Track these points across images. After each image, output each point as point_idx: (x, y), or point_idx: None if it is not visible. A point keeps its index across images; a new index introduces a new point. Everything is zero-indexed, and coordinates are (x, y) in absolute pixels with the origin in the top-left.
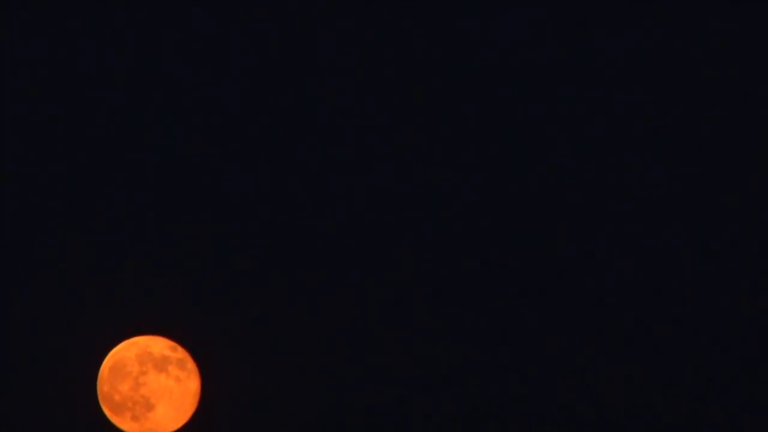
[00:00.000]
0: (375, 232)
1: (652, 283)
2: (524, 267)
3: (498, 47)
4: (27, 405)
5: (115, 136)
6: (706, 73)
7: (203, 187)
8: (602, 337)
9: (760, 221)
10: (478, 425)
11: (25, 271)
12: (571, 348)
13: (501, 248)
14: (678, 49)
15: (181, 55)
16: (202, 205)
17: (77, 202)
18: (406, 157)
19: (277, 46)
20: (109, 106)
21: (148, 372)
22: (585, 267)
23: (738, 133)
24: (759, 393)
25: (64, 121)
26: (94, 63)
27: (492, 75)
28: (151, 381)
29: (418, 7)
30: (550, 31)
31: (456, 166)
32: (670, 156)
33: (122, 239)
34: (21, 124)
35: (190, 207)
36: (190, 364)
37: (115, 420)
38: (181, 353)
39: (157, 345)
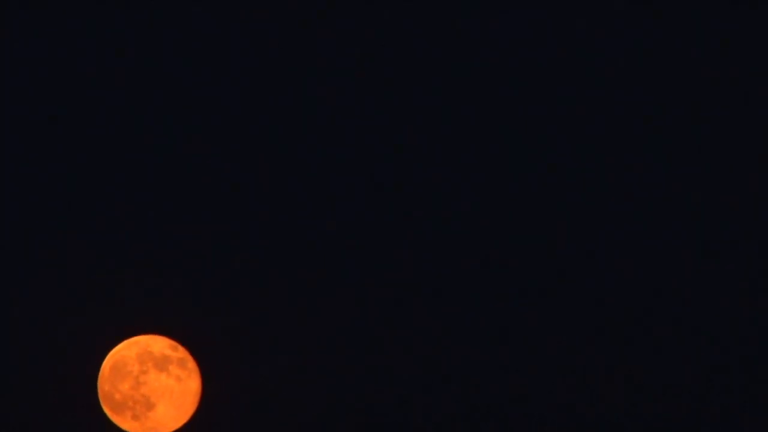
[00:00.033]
0: (375, 232)
1: (652, 283)
2: (524, 267)
3: (498, 47)
4: (28, 404)
5: (115, 136)
6: (706, 73)
7: (203, 187)
8: (602, 337)
9: (760, 221)
10: (478, 425)
11: (25, 271)
12: (571, 348)
13: (501, 248)
14: (678, 49)
15: (181, 55)
16: (202, 205)
17: (77, 202)
18: (406, 157)
19: (277, 46)
20: (109, 106)
21: (149, 371)
22: (585, 267)
23: (738, 133)
24: (759, 393)
25: (64, 121)
26: (94, 63)
27: (492, 75)
28: (151, 380)
29: (418, 7)
30: (550, 31)
31: (456, 166)
32: (670, 156)
33: (122, 239)
34: (21, 124)
35: (190, 207)
36: (191, 364)
37: (116, 419)
38: (181, 352)
39: (158, 344)
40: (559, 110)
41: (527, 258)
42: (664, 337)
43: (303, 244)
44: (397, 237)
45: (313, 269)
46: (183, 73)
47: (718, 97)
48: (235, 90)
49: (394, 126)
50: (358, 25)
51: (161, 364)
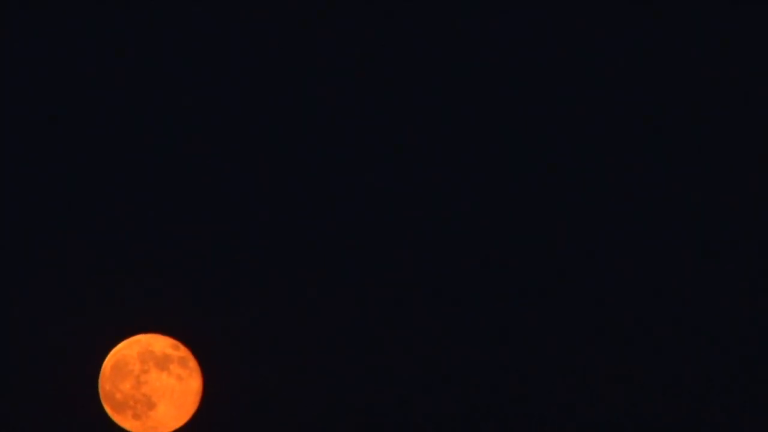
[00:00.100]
0: (375, 232)
1: (652, 283)
2: (524, 267)
3: (498, 47)
4: (29, 404)
5: (115, 136)
6: (706, 73)
7: (203, 187)
8: (602, 337)
9: (760, 221)
10: (478, 425)
11: (25, 271)
12: (571, 348)
13: (501, 248)
14: (678, 49)
15: (181, 55)
16: (202, 205)
17: (77, 202)
18: (406, 157)
19: (277, 46)
20: (109, 106)
21: (150, 370)
22: (585, 267)
23: (738, 133)
24: (759, 393)
25: (64, 121)
26: (94, 63)
27: (492, 75)
28: (152, 379)
29: (418, 7)
30: (550, 31)
31: (456, 166)
32: (670, 156)
33: (123, 239)
34: (21, 124)
35: (191, 207)
36: (192, 363)
37: (117, 418)
38: (182, 352)
39: (159, 343)
40: (559, 110)
41: (527, 258)
42: (664, 337)
43: (303, 244)
44: (397, 237)
45: (313, 269)
46: (183, 73)
47: (718, 97)
48: (235, 90)
49: (394, 126)
50: (358, 25)
51: (162, 363)
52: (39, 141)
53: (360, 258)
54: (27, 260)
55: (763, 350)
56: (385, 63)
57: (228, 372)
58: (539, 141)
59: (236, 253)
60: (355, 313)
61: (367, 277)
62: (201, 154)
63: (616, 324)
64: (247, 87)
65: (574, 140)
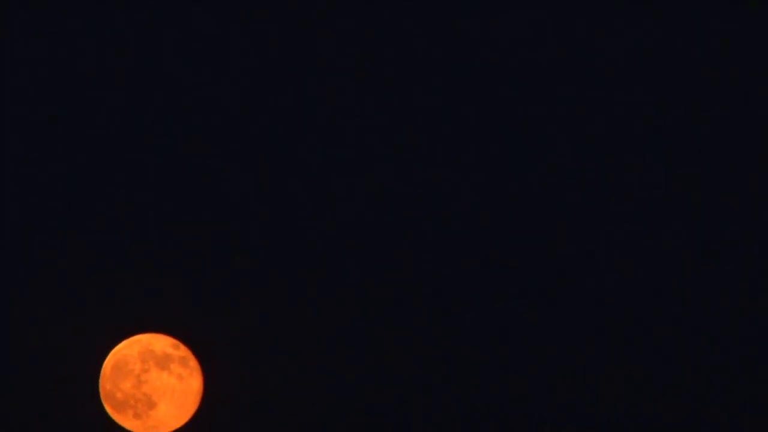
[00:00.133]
0: (375, 232)
1: (652, 283)
2: (524, 267)
3: (498, 47)
4: (29, 404)
5: (115, 136)
6: (706, 73)
7: (203, 187)
8: (602, 337)
9: (760, 221)
10: (478, 425)
11: (25, 271)
12: (571, 348)
13: (501, 248)
14: (678, 49)
15: (181, 55)
16: (202, 205)
17: (77, 202)
18: (406, 157)
19: (277, 46)
20: (109, 106)
21: (151, 370)
22: (585, 267)
23: (738, 133)
24: (759, 393)
25: (64, 121)
26: (94, 63)
27: (492, 75)
28: (153, 379)
29: (418, 7)
30: (550, 31)
31: (456, 166)
32: (670, 156)
33: (123, 238)
34: (21, 124)
35: (191, 207)
36: (193, 362)
37: (118, 418)
38: (183, 351)
39: (160, 343)
40: (559, 110)
41: (527, 258)
42: (664, 337)
43: (303, 244)
44: (397, 237)
45: (313, 269)
46: (183, 73)
47: (718, 97)
48: (235, 90)
49: (394, 126)
50: (358, 25)
51: (163, 362)
52: (39, 141)
53: (360, 258)
54: (27, 260)
55: (763, 350)
56: (385, 63)
57: (229, 371)
58: (539, 141)
59: (236, 253)
60: (355, 313)
61: (367, 277)
62: (201, 154)
63: (616, 324)
64: (247, 87)
65: (574, 140)
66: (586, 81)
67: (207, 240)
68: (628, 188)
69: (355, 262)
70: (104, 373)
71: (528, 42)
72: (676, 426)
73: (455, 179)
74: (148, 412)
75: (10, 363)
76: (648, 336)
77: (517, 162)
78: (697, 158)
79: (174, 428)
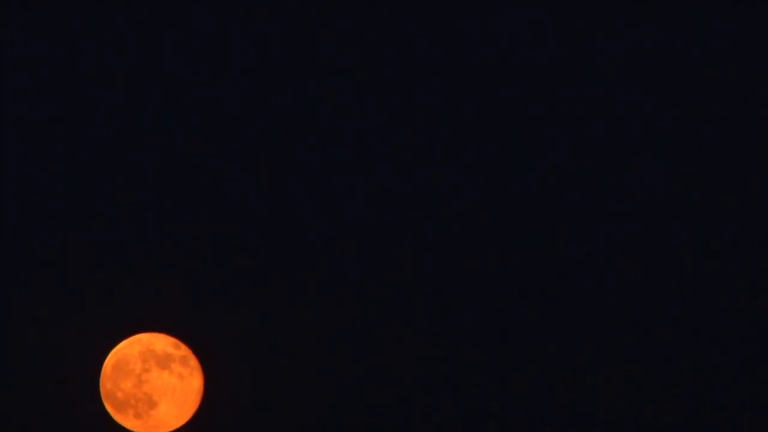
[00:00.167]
0: (375, 232)
1: (652, 283)
2: (524, 267)
3: (498, 47)
4: (30, 403)
5: (115, 136)
6: (706, 73)
7: (203, 187)
8: (602, 337)
9: (760, 221)
10: (478, 425)
11: (25, 271)
12: (571, 348)
13: (501, 248)
14: (678, 49)
15: (181, 55)
16: (202, 205)
17: (77, 202)
18: (406, 157)
19: (277, 46)
20: (109, 106)
21: (151, 369)
22: (585, 267)
23: (738, 133)
24: (759, 393)
25: (64, 121)
26: (94, 63)
27: (492, 75)
28: (153, 378)
29: (418, 7)
30: (550, 31)
31: (456, 166)
32: (670, 156)
33: (124, 237)
34: (21, 124)
35: (191, 207)
36: (193, 362)
37: (118, 417)
38: (184, 350)
39: (160, 342)
40: (559, 110)
41: (527, 258)
42: (664, 337)
43: (303, 244)
44: (397, 237)
45: (313, 269)
46: (183, 73)
47: (718, 97)
48: (235, 90)
49: (394, 126)
50: (358, 25)
51: (163, 362)
52: (39, 141)
53: (360, 258)
54: (27, 260)
55: (763, 350)
56: (385, 63)
57: (229, 371)
58: (539, 141)
59: (236, 253)
60: (355, 313)
61: (367, 277)
62: (201, 154)
63: (616, 324)
64: (247, 87)
65: (574, 140)
66: (586, 81)
67: (207, 240)
68: (628, 188)
69: (355, 262)
70: (105, 373)
71: (528, 42)
72: (676, 426)
73: (455, 179)
74: (148, 411)
75: (10, 363)
76: (648, 336)
77: (517, 162)
78: (697, 158)
79: (175, 428)
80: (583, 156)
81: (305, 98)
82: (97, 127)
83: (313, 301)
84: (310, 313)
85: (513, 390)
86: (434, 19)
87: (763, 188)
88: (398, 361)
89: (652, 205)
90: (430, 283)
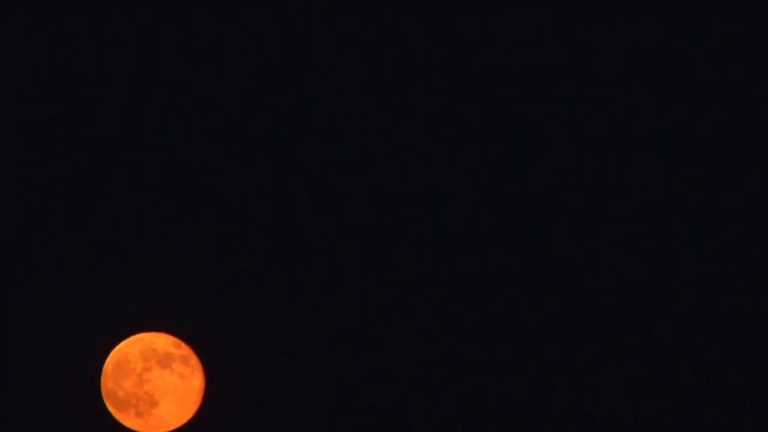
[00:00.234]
0: (375, 232)
1: (652, 283)
2: (524, 267)
3: (498, 47)
4: (31, 402)
5: (115, 136)
6: (706, 73)
7: (203, 187)
8: (602, 337)
9: (760, 221)
10: (478, 425)
11: (25, 271)
12: (571, 348)
13: (501, 248)
14: (678, 49)
15: (181, 55)
16: (202, 204)
17: (77, 202)
18: (406, 157)
19: (277, 46)
20: (109, 106)
21: (152, 368)
22: (585, 267)
23: (738, 133)
24: (759, 393)
25: (64, 121)
26: (94, 63)
27: (492, 75)
28: (155, 377)
29: (418, 7)
30: (550, 31)
31: (456, 166)
32: (670, 156)
33: (124, 236)
34: (21, 124)
35: (191, 207)
36: (194, 361)
37: (119, 416)
38: (185, 350)
39: (161, 341)
40: (559, 110)
41: (527, 258)
42: (664, 337)
43: (303, 244)
44: (397, 237)
45: (313, 269)
46: (183, 73)
47: (718, 97)
48: (235, 90)
49: (394, 126)
50: (358, 25)
51: (165, 361)
52: (39, 141)
53: (360, 258)
54: (27, 260)
55: (763, 350)
56: (385, 63)
57: (230, 370)
58: (539, 141)
59: (239, 252)
60: (355, 313)
61: (367, 277)
62: (201, 154)
63: (616, 324)
64: (247, 87)
65: (574, 140)
66: (586, 81)
67: (207, 239)
68: (628, 188)
69: (355, 262)
70: (106, 372)
71: (528, 42)
72: (676, 426)
73: (455, 179)
74: (149, 410)
75: (10, 363)
76: (648, 336)
77: (517, 162)
78: (697, 158)
79: (175, 427)
80: (583, 156)
81: (305, 98)
82: (97, 127)
83: (313, 301)
84: (310, 313)
85: (513, 390)
86: (434, 19)
87: (763, 188)
88: (398, 361)
89: (652, 205)
90: (430, 283)
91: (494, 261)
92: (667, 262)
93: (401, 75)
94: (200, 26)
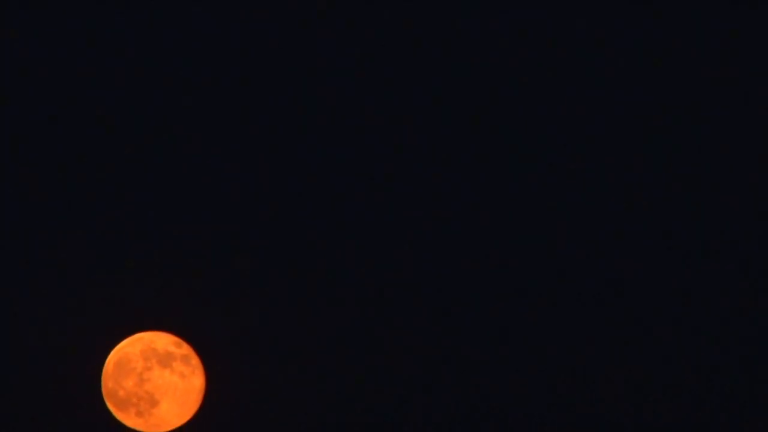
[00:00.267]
0: (375, 232)
1: (652, 283)
2: (524, 267)
3: (498, 47)
4: (32, 402)
5: (115, 136)
6: (706, 73)
7: (203, 187)
8: (602, 337)
9: (760, 221)
10: (478, 425)
11: (25, 271)
12: (571, 348)
13: (501, 248)
14: (678, 49)
15: (181, 55)
16: (202, 204)
17: (77, 202)
18: (406, 157)
19: (277, 46)
20: (109, 106)
21: (153, 368)
22: (585, 267)
23: (738, 133)
24: (759, 393)
25: (64, 121)
26: (94, 63)
27: (492, 75)
28: (155, 377)
29: (418, 7)
30: (550, 31)
31: (456, 166)
32: (670, 156)
33: (125, 236)
34: (21, 124)
35: (191, 206)
36: (195, 360)
37: (120, 416)
38: (185, 349)
39: (162, 341)
40: (559, 110)
41: (527, 258)
42: (664, 337)
43: (303, 244)
44: (397, 237)
45: (313, 269)
46: (183, 73)
47: (718, 97)
48: (235, 90)
49: (394, 126)
50: (358, 25)
51: (165, 360)
52: (39, 141)
53: (360, 258)
54: (27, 260)
55: (763, 350)
56: (385, 63)
57: (231, 369)
58: (539, 141)
59: (239, 252)
60: (355, 313)
61: (367, 277)
62: (201, 154)
63: (616, 324)
64: (247, 87)
65: (574, 140)
66: (586, 81)
67: (209, 238)
68: (628, 188)
69: (355, 262)
70: (106, 371)
71: (528, 42)
72: (676, 426)
73: (455, 179)
74: (150, 410)
75: (10, 363)
76: (648, 336)
77: (517, 162)
78: (697, 158)
79: (176, 426)
80: (583, 156)
81: (305, 98)
82: (97, 127)
83: (313, 301)
84: (310, 313)
85: (513, 390)
86: (434, 19)
87: (763, 188)
88: (398, 361)
89: (652, 205)
90: (430, 283)
91: (494, 261)
92: (667, 262)
93: (401, 75)
94: (200, 26)
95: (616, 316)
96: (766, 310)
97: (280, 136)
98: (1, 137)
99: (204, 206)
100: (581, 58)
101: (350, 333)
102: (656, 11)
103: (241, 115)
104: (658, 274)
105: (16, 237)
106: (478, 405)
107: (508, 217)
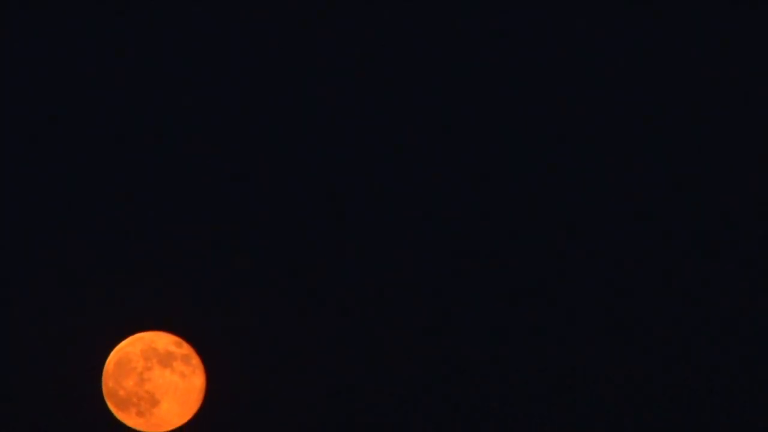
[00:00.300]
0: (375, 232)
1: (652, 283)
2: (524, 267)
3: (498, 47)
4: (32, 401)
5: (115, 136)
6: (706, 73)
7: (203, 187)
8: (602, 337)
9: (760, 221)
10: (478, 425)
11: (25, 271)
12: (571, 348)
13: (501, 248)
14: (678, 49)
15: (181, 55)
16: (202, 204)
17: (77, 202)
18: (406, 157)
19: (277, 46)
20: (109, 106)
21: (153, 367)
22: (585, 267)
23: (738, 133)
24: (759, 393)
25: (64, 121)
26: (94, 63)
27: (492, 75)
28: (156, 377)
29: (418, 7)
30: (550, 31)
31: (456, 166)
32: (670, 156)
33: (125, 235)
34: (21, 124)
35: (191, 206)
36: (195, 360)
37: (120, 415)
38: (186, 349)
39: (162, 340)
40: (559, 110)
41: (527, 258)
42: (664, 337)
43: (303, 244)
44: (397, 237)
45: (313, 269)
46: (183, 73)
47: (718, 97)
48: (235, 90)
49: (394, 126)
50: (358, 25)
51: (165, 360)
52: (39, 141)
53: (360, 258)
54: (27, 260)
55: (763, 350)
56: (385, 63)
57: (231, 369)
58: (539, 141)
59: (239, 251)
60: (355, 313)
61: (367, 277)
62: (201, 154)
63: (616, 324)
64: (247, 87)
65: (574, 140)
66: (586, 81)
67: (209, 238)
68: (628, 188)
69: (355, 262)
70: (107, 371)
71: (528, 42)
72: (676, 426)
73: (455, 179)
74: (150, 409)
75: (10, 363)
76: (648, 336)
77: (517, 162)
78: (697, 158)
79: (176, 426)
80: (583, 156)
81: (305, 98)
82: (97, 127)
83: (313, 301)
84: (310, 313)
85: (513, 390)
86: (434, 19)
87: (763, 188)
88: (398, 361)
89: (652, 205)
90: (430, 283)
91: (494, 261)
92: (667, 262)
93: (401, 75)
94: (200, 26)
95: (616, 316)
96: (766, 310)
97: (280, 136)
98: (1, 137)
99: (204, 206)
100: (581, 58)
101: (350, 333)
102: (656, 11)
103: (241, 115)
104: (658, 274)
105: (16, 237)
106: (478, 405)
107: (508, 217)
